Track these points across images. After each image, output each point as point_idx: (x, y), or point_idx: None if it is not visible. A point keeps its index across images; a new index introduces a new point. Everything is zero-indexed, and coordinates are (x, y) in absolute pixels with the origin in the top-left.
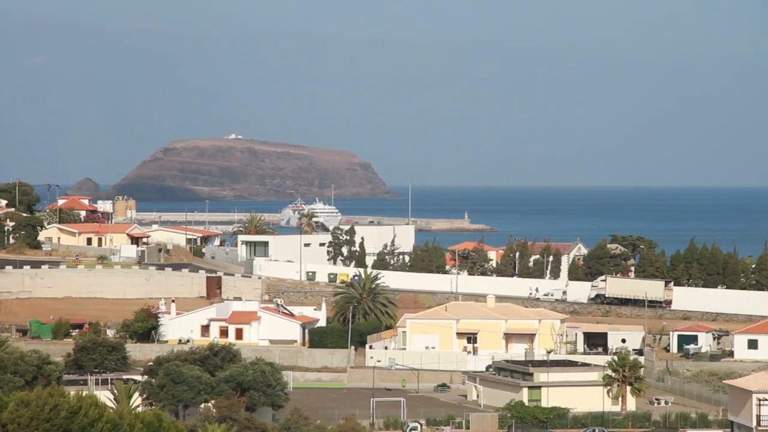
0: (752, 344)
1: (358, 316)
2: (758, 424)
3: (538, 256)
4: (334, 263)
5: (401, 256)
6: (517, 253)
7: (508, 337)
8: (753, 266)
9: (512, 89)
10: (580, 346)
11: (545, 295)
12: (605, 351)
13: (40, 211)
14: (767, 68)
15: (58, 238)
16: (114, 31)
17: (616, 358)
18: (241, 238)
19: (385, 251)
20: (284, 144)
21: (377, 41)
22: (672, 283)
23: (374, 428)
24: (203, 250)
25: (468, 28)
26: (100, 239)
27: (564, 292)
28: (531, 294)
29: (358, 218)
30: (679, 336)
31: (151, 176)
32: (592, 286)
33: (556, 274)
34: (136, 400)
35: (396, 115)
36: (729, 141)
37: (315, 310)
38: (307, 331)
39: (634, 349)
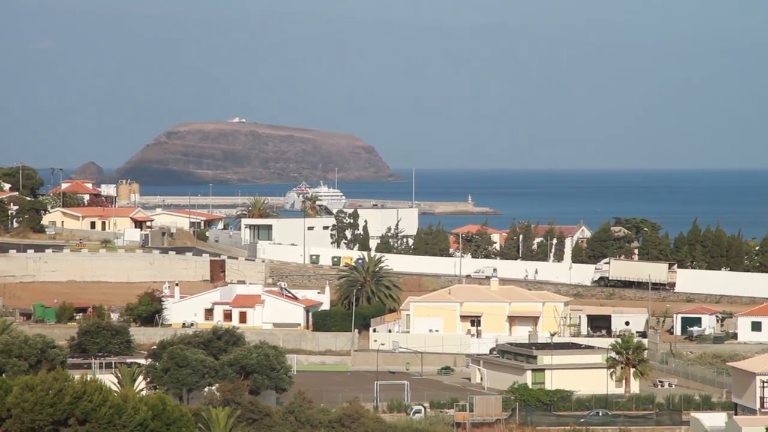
0: (756, 326)
1: (362, 300)
2: (762, 406)
3: (541, 239)
4: (338, 246)
5: (405, 239)
6: (521, 236)
7: (512, 319)
8: (757, 248)
9: (516, 73)
10: (584, 328)
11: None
12: (609, 333)
13: (44, 195)
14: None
15: (62, 221)
16: (119, 16)
17: (619, 340)
18: (244, 221)
19: (389, 234)
20: (288, 127)
21: (381, 24)
22: (676, 265)
23: (378, 411)
24: (207, 233)
25: (472, 11)
26: (103, 223)
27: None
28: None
29: (362, 201)
30: (682, 318)
31: (154, 160)
32: (596, 268)
33: (559, 257)
34: (140, 383)
35: (400, 99)
36: (732, 124)
37: (319, 293)
38: (310, 314)
39: (637, 332)
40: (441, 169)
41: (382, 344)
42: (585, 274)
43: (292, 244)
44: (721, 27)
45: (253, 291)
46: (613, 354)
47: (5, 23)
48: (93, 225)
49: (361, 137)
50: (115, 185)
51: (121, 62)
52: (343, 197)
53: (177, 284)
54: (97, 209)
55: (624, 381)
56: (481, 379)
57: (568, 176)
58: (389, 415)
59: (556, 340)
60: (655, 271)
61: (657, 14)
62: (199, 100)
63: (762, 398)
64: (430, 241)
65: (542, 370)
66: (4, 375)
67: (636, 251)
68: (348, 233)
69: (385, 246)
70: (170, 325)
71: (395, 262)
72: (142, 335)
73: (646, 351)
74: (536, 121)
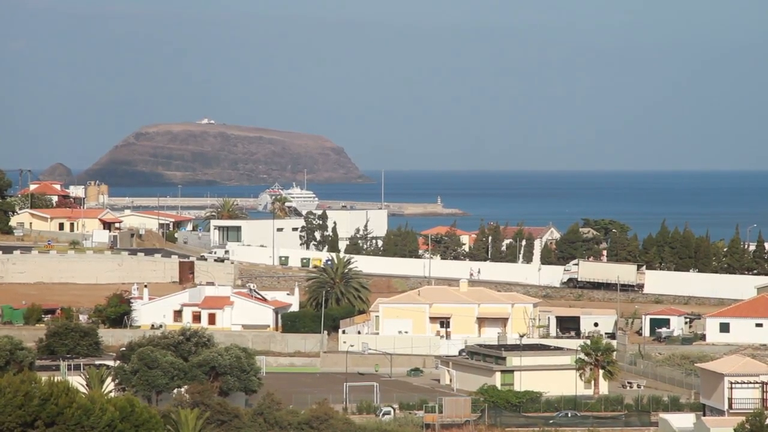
0: (724, 327)
1: (331, 301)
2: (730, 407)
3: (510, 241)
4: (307, 248)
5: (374, 241)
6: (490, 238)
7: (481, 321)
8: (725, 250)
9: (485, 74)
10: (553, 330)
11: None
12: (578, 335)
13: (12, 197)
14: (733, 55)
15: (30, 223)
16: (88, 16)
17: (588, 341)
18: (213, 222)
19: (358, 236)
20: (257, 128)
21: (351, 25)
22: (644, 266)
23: (347, 413)
24: (176, 235)
25: (443, 12)
26: (72, 224)
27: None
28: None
29: (331, 203)
30: (651, 319)
31: (123, 161)
32: (565, 270)
33: (528, 258)
34: (109, 385)
35: (369, 100)
36: (698, 127)
37: (288, 294)
38: (279, 315)
39: (606, 333)
40: (410, 170)
41: (352, 346)
42: (554, 275)
43: (261, 246)
44: (689, 32)
45: (222, 293)
46: (582, 355)
47: None
48: (61, 226)
49: (331, 138)
50: (83, 186)
51: (89, 63)
52: (316, 199)
53: (146, 286)
54: (66, 211)
55: (593, 382)
56: (451, 380)
57: (537, 177)
58: (358, 416)
59: (525, 341)
60: (624, 272)
61: (636, 18)
62: (168, 101)
63: (730, 399)
64: (399, 243)
65: (511, 371)
66: None
67: (605, 252)
68: (317, 235)
69: (354, 247)
70: (139, 326)
71: (364, 264)
72: (110, 337)
73: (615, 352)
74: (505, 123)
